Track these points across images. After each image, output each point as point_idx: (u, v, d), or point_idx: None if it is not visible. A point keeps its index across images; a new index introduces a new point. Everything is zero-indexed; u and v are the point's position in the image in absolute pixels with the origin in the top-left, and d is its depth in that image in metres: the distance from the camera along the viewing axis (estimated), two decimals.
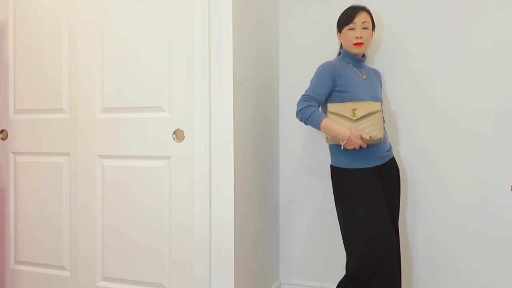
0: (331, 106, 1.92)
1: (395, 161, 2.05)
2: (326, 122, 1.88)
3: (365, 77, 2.03)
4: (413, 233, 2.27)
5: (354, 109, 1.88)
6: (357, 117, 1.87)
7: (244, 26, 2.08)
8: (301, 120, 1.95)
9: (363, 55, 2.06)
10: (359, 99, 1.93)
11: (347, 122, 1.88)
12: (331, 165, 2.02)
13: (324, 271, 2.37)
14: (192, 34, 1.99)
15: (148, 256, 2.10)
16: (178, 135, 2.03)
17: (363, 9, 2.01)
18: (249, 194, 2.14)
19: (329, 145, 2.01)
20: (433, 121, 2.23)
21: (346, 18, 2.00)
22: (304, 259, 2.47)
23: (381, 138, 1.86)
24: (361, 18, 1.98)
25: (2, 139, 2.41)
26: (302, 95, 1.96)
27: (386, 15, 2.31)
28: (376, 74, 2.12)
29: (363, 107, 1.88)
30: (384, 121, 1.97)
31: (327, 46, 2.34)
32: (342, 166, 1.95)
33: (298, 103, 1.95)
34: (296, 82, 2.45)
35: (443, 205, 2.22)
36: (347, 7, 2.03)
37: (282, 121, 2.51)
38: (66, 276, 2.27)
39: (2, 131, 2.41)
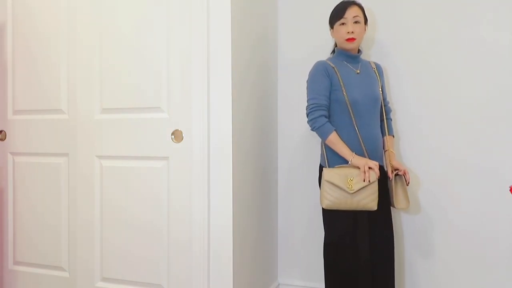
0: (327, 173, 1.89)
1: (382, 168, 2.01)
2: (332, 138, 1.92)
3: (358, 71, 2.02)
4: (410, 232, 2.28)
5: (351, 180, 1.87)
6: (353, 191, 1.85)
7: (243, 27, 2.08)
8: (312, 129, 1.98)
9: (358, 51, 2.06)
10: (352, 99, 1.94)
11: (344, 194, 1.86)
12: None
13: (322, 272, 2.36)
14: (190, 35, 1.99)
15: (147, 257, 2.10)
16: (177, 135, 2.02)
17: (354, 3, 2.00)
18: (248, 195, 2.14)
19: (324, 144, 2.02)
20: (427, 120, 2.23)
21: (337, 13, 2.01)
22: (302, 260, 2.47)
23: (375, 209, 1.86)
24: (352, 12, 1.98)
25: (1, 139, 2.41)
26: (311, 104, 1.96)
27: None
28: (371, 68, 2.09)
29: (359, 176, 1.85)
30: (387, 117, 2.07)
31: (326, 49, 2.34)
32: (323, 164, 2.03)
33: (308, 112, 1.96)
34: (294, 82, 2.45)
35: (442, 205, 2.22)
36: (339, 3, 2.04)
37: (280, 122, 2.51)
38: (65, 277, 2.27)
39: (1, 131, 2.41)
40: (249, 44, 2.15)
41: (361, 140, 1.94)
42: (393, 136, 2.14)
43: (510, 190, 2.09)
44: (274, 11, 2.48)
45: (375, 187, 1.85)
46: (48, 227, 2.30)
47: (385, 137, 2.09)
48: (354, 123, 1.94)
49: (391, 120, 2.16)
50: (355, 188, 1.84)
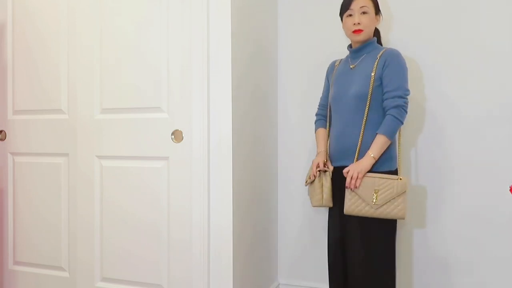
0: None
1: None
2: (316, 134, 2.11)
3: (353, 66, 1.94)
4: (411, 232, 2.27)
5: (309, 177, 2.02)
6: (306, 186, 2.05)
7: (243, 26, 2.08)
8: None
9: (367, 41, 1.92)
10: (333, 97, 1.99)
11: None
12: None
13: (322, 272, 2.36)
14: (190, 35, 1.99)
15: (147, 257, 2.09)
16: (177, 135, 2.03)
17: None
18: (248, 194, 2.14)
19: None
20: (431, 121, 2.23)
21: (344, 5, 1.95)
22: (302, 260, 2.46)
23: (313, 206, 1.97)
24: (358, 2, 1.88)
25: (1, 139, 2.41)
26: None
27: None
28: (375, 59, 1.88)
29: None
30: (387, 112, 1.85)
31: (326, 47, 2.34)
32: None
33: None
34: (294, 81, 2.45)
35: (443, 205, 2.22)
36: None
37: (280, 121, 2.51)
38: (65, 277, 2.27)
39: (1, 131, 2.41)
40: (249, 44, 2.15)
41: (328, 138, 2.03)
42: (385, 135, 1.81)
43: (510, 190, 2.09)
44: (274, 10, 2.48)
45: (314, 185, 1.95)
46: (48, 227, 2.30)
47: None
48: (329, 120, 2.04)
49: (391, 115, 1.82)
50: (306, 185, 2.01)
